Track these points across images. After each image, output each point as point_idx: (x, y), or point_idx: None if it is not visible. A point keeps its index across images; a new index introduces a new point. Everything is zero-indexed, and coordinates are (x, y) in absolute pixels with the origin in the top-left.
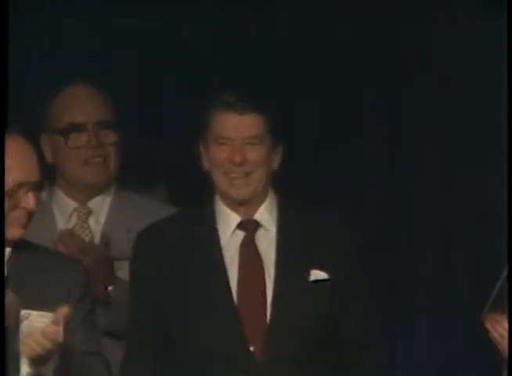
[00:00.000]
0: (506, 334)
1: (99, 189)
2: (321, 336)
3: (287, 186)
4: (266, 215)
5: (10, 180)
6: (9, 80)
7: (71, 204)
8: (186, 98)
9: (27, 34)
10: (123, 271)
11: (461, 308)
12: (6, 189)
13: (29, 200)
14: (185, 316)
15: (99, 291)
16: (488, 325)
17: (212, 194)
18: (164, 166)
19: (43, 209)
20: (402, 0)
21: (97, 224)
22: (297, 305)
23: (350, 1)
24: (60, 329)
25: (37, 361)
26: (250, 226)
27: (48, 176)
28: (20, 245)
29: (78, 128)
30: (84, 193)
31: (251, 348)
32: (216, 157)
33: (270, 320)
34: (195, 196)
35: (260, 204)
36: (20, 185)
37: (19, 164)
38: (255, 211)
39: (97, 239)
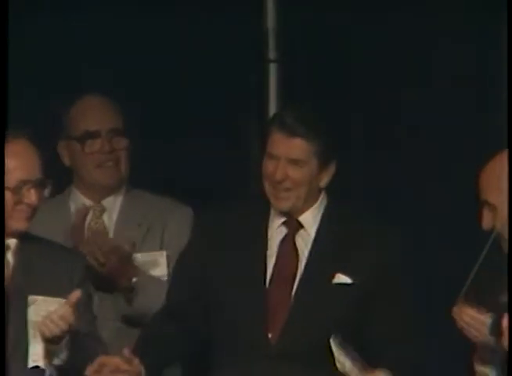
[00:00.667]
0: (472, 322)
1: (111, 190)
2: (341, 338)
3: (338, 195)
4: (310, 218)
5: (14, 178)
6: (9, 80)
7: (87, 202)
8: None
9: (26, 34)
10: (137, 261)
11: None
12: (11, 186)
13: (31, 196)
14: (224, 293)
15: (124, 284)
16: (455, 315)
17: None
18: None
19: (61, 207)
20: (402, 0)
21: (110, 220)
22: (316, 304)
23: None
24: (72, 310)
25: (53, 341)
26: (292, 225)
27: (66, 178)
28: (25, 237)
29: (93, 135)
30: (99, 192)
31: (269, 335)
32: (265, 170)
33: (290, 313)
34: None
35: (308, 208)
36: (23, 182)
37: (22, 163)
38: (302, 213)
39: (111, 233)
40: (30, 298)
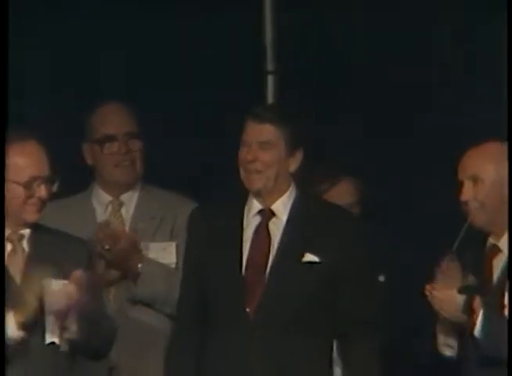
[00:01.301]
0: (444, 300)
1: (128, 186)
2: (309, 309)
3: (305, 183)
4: (281, 206)
5: (26, 175)
6: (9, 81)
7: (107, 197)
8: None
9: (27, 34)
10: (148, 250)
11: None
12: (23, 182)
13: (42, 190)
14: (208, 277)
15: (132, 269)
16: (427, 292)
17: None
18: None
19: (85, 201)
20: (403, 0)
21: (127, 213)
22: (288, 281)
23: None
24: (76, 288)
25: (60, 315)
26: (265, 214)
27: (89, 175)
28: (37, 228)
29: (111, 138)
30: (117, 189)
31: (247, 310)
32: (240, 156)
33: (265, 290)
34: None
35: (279, 197)
36: (34, 178)
37: (33, 162)
38: (273, 202)
39: (128, 225)
40: (44, 281)
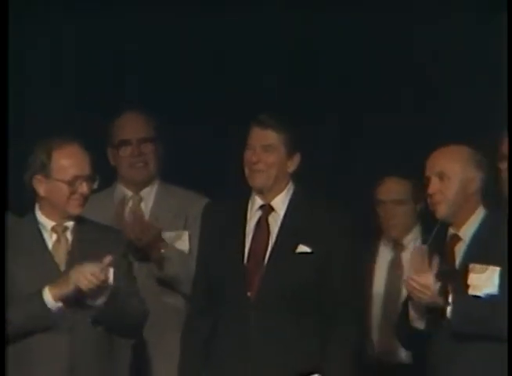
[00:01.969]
0: (419, 287)
1: (146, 183)
2: (301, 293)
3: (302, 183)
4: (280, 202)
5: (70, 174)
6: (9, 82)
7: (128, 193)
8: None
9: (27, 34)
10: (165, 238)
11: None
12: (67, 180)
13: (84, 188)
14: (221, 266)
15: (155, 254)
16: (406, 285)
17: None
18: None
19: (109, 197)
20: (403, 0)
21: (146, 207)
22: (284, 269)
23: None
24: (106, 272)
25: (91, 295)
26: (266, 209)
27: (112, 174)
28: (79, 220)
29: (126, 143)
30: (135, 186)
31: (248, 294)
32: (245, 158)
33: (264, 276)
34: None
35: (278, 194)
36: (76, 177)
37: (76, 162)
38: (273, 199)
39: (147, 217)
40: (82, 265)
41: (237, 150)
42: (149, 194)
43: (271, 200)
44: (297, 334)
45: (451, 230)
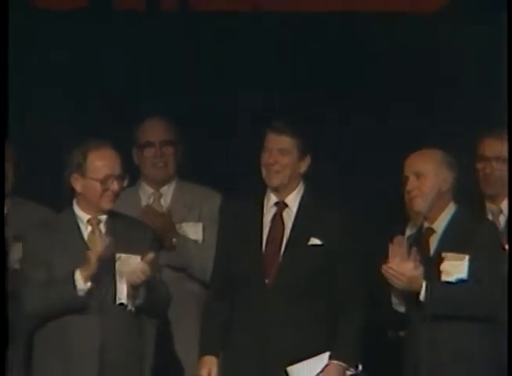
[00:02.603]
0: (396, 275)
1: (165, 181)
2: (313, 281)
3: (312, 182)
4: (293, 199)
5: (102, 173)
6: (9, 82)
7: (150, 190)
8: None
9: (26, 33)
10: (181, 229)
11: None
12: (100, 178)
13: (115, 185)
14: (241, 256)
15: (167, 243)
16: (383, 271)
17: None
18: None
19: (133, 193)
20: (403, 0)
21: (165, 202)
22: (297, 259)
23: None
24: (150, 266)
25: (136, 287)
26: (280, 205)
27: (136, 173)
28: (111, 214)
29: (149, 144)
30: (156, 183)
31: (266, 281)
32: (262, 160)
33: (280, 266)
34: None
35: (291, 192)
36: (108, 176)
37: (108, 163)
38: (287, 196)
39: (164, 211)
40: (117, 255)
41: (247, 151)
42: (168, 191)
43: (285, 198)
44: (309, 318)
45: (426, 224)
